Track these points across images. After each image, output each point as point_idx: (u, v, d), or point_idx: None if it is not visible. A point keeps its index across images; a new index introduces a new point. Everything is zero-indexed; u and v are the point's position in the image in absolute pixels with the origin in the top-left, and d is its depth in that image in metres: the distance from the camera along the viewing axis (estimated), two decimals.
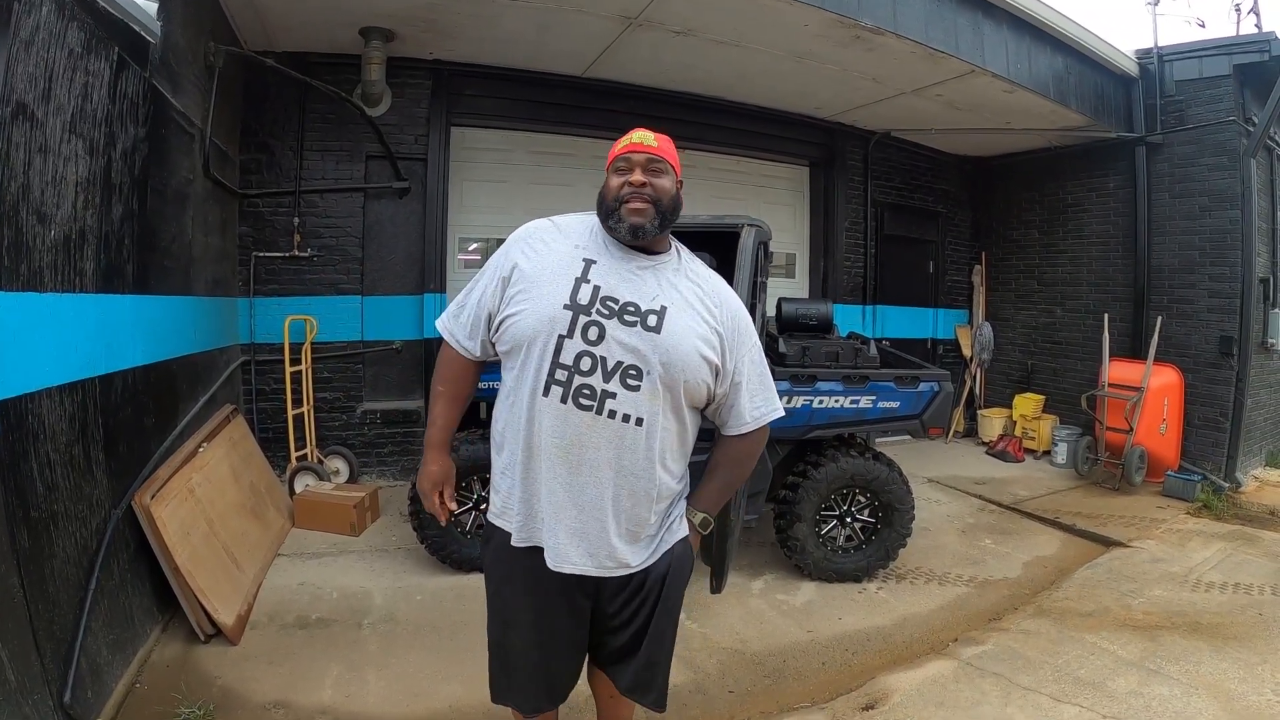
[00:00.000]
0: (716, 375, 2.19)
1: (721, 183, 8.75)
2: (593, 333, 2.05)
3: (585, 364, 2.04)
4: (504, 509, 2.23)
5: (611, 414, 2.05)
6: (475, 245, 7.68)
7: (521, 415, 2.11)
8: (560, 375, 2.05)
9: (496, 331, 2.20)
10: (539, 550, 2.15)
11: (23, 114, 2.79)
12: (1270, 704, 3.48)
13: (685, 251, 2.33)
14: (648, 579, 2.24)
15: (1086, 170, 9.12)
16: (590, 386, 2.04)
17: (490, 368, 2.38)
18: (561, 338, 2.05)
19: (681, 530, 2.31)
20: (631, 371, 2.06)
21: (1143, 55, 8.30)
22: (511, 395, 2.17)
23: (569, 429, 2.05)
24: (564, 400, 2.05)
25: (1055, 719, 3.36)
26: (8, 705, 2.73)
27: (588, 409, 2.04)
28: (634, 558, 2.19)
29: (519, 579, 2.23)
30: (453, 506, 2.43)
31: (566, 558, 2.12)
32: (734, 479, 2.44)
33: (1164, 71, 8.16)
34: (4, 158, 2.67)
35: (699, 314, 2.17)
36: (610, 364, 2.05)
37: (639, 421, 2.07)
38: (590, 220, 2.28)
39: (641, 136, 2.20)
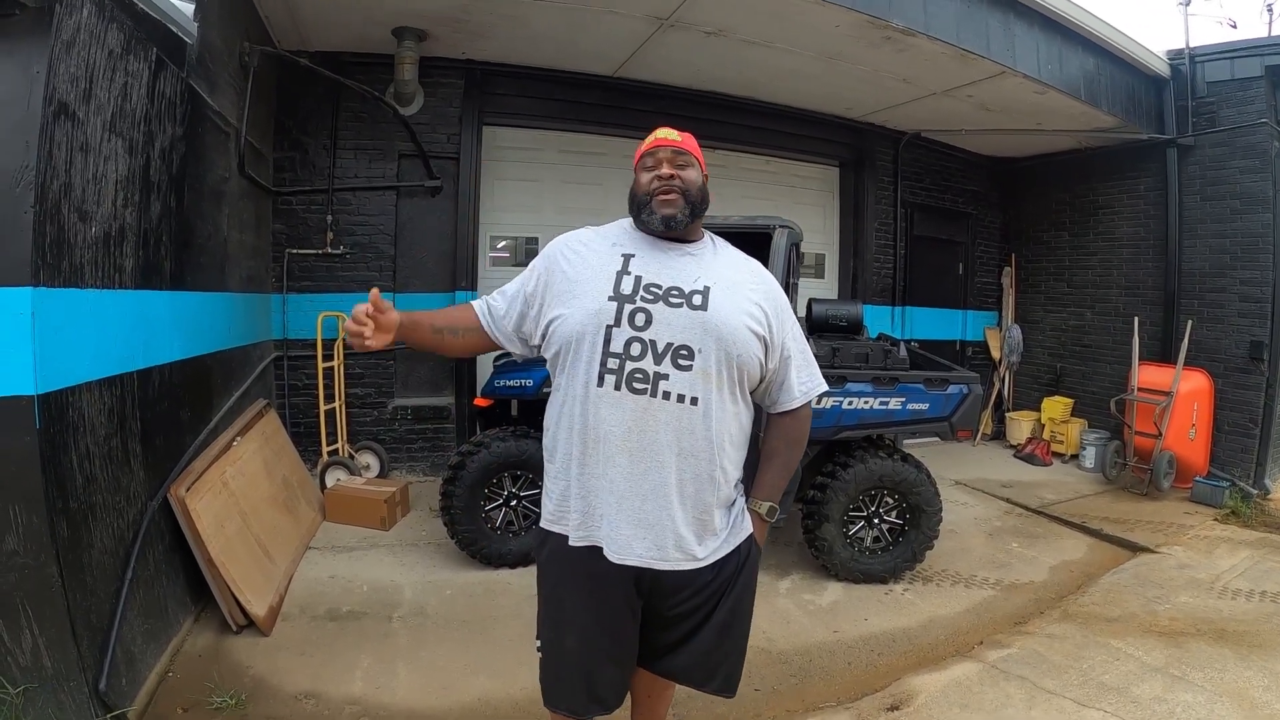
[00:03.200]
0: (766, 350, 2.22)
1: (752, 183, 8.75)
2: (640, 319, 2.08)
3: (635, 349, 2.07)
4: (559, 513, 2.21)
5: (666, 395, 2.06)
6: (505, 243, 7.74)
7: (575, 410, 2.13)
8: (612, 364, 2.07)
9: (544, 337, 2.23)
10: (597, 550, 2.14)
11: (64, 113, 2.86)
12: None
13: (719, 240, 2.38)
14: (714, 578, 2.23)
15: (1117, 172, 9.02)
16: (642, 370, 2.06)
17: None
18: (610, 328, 2.08)
19: (747, 528, 2.32)
20: (682, 352, 2.07)
21: (1174, 56, 8.21)
22: (563, 394, 2.19)
23: (626, 414, 2.07)
24: (618, 387, 2.06)
25: None
26: (44, 692, 2.81)
27: (642, 392, 2.06)
28: (701, 550, 2.18)
29: (576, 580, 2.21)
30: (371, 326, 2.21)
31: (630, 549, 2.11)
32: (792, 460, 2.44)
33: (1195, 72, 8.07)
34: (46, 156, 2.73)
35: (742, 292, 2.21)
36: (660, 346, 2.07)
37: (694, 401, 2.08)
38: (623, 223, 2.35)
39: (665, 133, 2.28)
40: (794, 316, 2.38)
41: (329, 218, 6.68)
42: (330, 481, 6.07)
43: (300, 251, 6.64)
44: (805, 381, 2.37)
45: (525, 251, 7.74)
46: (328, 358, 6.38)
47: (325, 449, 6.31)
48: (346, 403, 6.62)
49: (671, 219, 2.19)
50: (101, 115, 3.16)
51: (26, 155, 2.67)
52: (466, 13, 5.88)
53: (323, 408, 6.30)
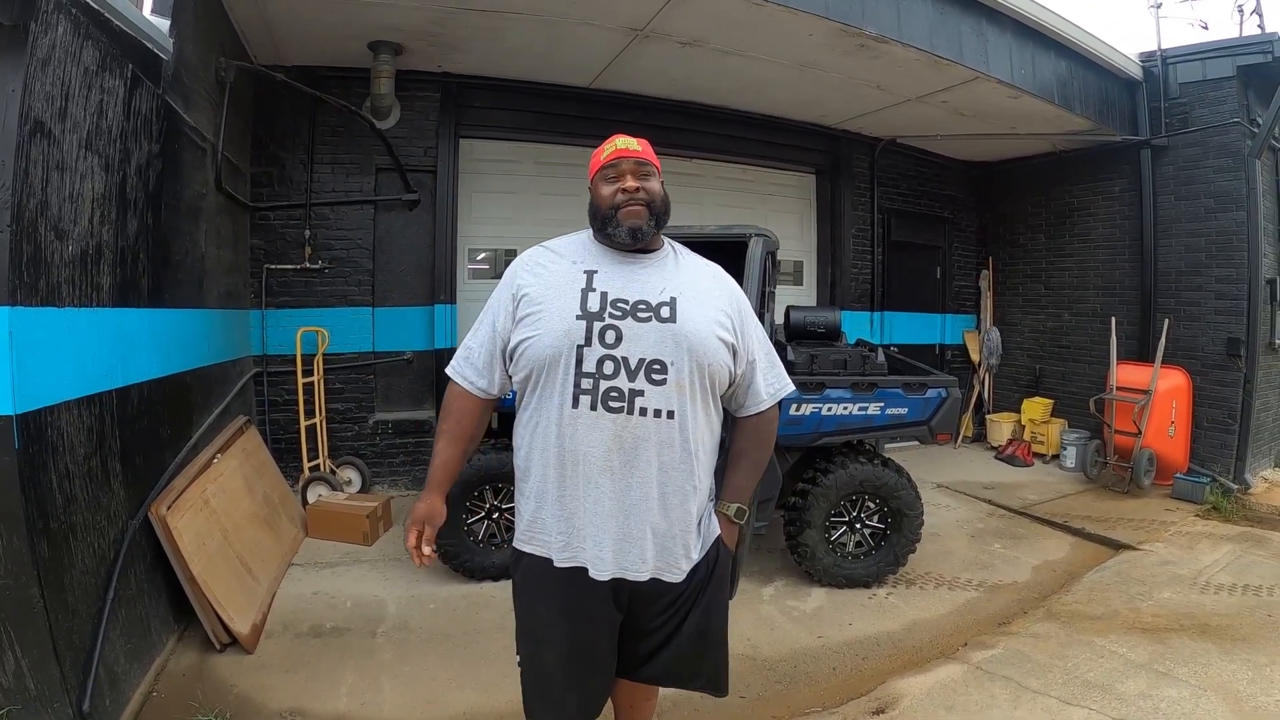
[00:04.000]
0: (734, 356, 2.23)
1: (729, 191, 8.80)
2: (610, 336, 2.07)
3: (608, 368, 2.06)
4: (534, 534, 2.21)
5: (643, 411, 2.06)
6: (484, 255, 7.75)
7: (551, 433, 2.11)
8: (586, 384, 2.06)
9: (513, 360, 2.21)
10: (581, 570, 2.14)
11: (40, 132, 2.84)
12: (1279, 704, 3.48)
13: (679, 246, 2.38)
14: (688, 585, 2.24)
15: (1091, 174, 9.13)
16: (617, 388, 2.05)
17: None
18: (580, 348, 2.06)
19: (715, 531, 2.33)
20: (655, 366, 2.07)
21: (1146, 58, 8.33)
22: (535, 416, 2.16)
23: (604, 434, 2.06)
24: (594, 407, 2.06)
25: None
26: (27, 713, 2.79)
27: (619, 410, 2.05)
28: (683, 560, 2.20)
29: (555, 597, 2.20)
30: (427, 551, 2.35)
31: (616, 566, 2.12)
32: (761, 460, 2.45)
33: (1168, 74, 8.19)
34: (22, 175, 2.72)
35: (709, 300, 2.22)
36: (633, 363, 2.06)
37: (670, 415, 2.08)
38: (580, 236, 2.34)
39: (625, 142, 2.26)
40: (756, 319, 2.40)
41: (307, 232, 6.65)
42: (312, 497, 6.03)
43: (278, 266, 6.61)
44: (772, 383, 2.39)
45: (505, 263, 7.71)
46: (307, 373, 6.35)
47: (306, 464, 6.28)
48: (327, 418, 6.58)
49: (638, 230, 2.18)
50: (77, 133, 3.15)
51: (2, 174, 2.65)
52: (442, 26, 5.88)
53: (303, 423, 6.26)
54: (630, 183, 2.19)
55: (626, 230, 2.18)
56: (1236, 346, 7.57)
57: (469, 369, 2.33)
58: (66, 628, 2.92)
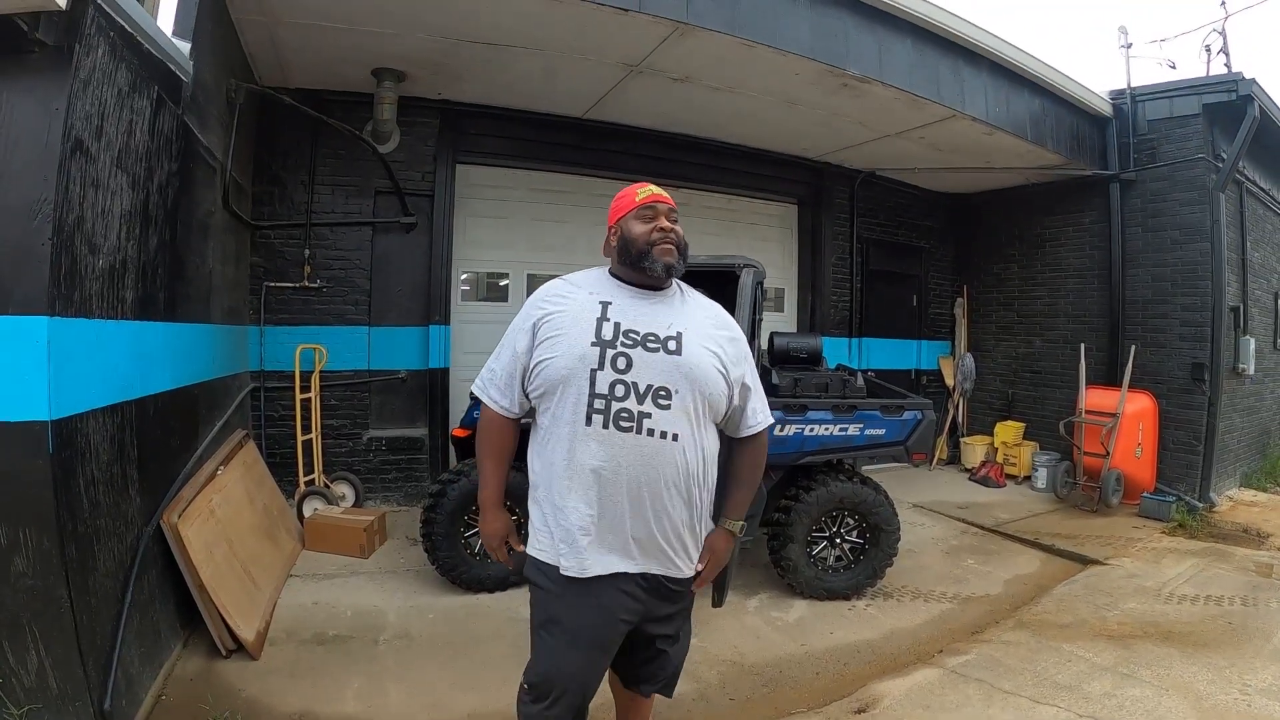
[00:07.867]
0: (729, 387, 2.45)
1: (714, 220, 9.04)
2: (621, 362, 2.29)
3: (619, 391, 2.27)
4: (547, 544, 2.39)
5: (650, 432, 2.27)
6: (465, 275, 7.90)
7: (562, 448, 2.32)
8: (599, 405, 2.27)
9: (530, 379, 2.41)
10: (591, 575, 2.32)
11: (80, 150, 2.99)
12: (1237, 702, 3.72)
13: (685, 286, 2.61)
14: (684, 593, 2.53)
15: (1063, 206, 9.45)
16: (627, 410, 2.27)
17: None
18: (594, 371, 2.27)
19: (698, 548, 2.53)
20: (661, 392, 2.29)
21: (1116, 96, 8.68)
22: (548, 433, 2.37)
23: (614, 450, 2.26)
24: (605, 426, 2.26)
25: (1034, 719, 3.58)
26: (48, 712, 2.88)
27: (628, 430, 2.26)
28: (680, 561, 2.43)
29: (568, 600, 2.37)
30: (520, 549, 2.58)
31: (619, 568, 2.33)
32: (755, 482, 2.67)
33: (1137, 111, 8.54)
34: (63, 190, 2.86)
35: (709, 336, 2.44)
36: (642, 388, 2.28)
37: (675, 437, 2.30)
38: (595, 272, 2.56)
39: (661, 191, 2.51)
40: (750, 356, 2.62)
41: (306, 251, 6.80)
42: (307, 511, 6.13)
43: (278, 284, 6.74)
44: (758, 412, 2.61)
45: (487, 286, 7.99)
46: (305, 389, 6.45)
47: (302, 479, 6.38)
48: (322, 433, 6.68)
49: (671, 266, 2.42)
50: (110, 151, 3.30)
51: (45, 189, 2.80)
52: (446, 57, 6.08)
53: (300, 438, 6.37)
54: (666, 223, 2.44)
55: (662, 265, 2.41)
56: (1201, 371, 7.86)
57: (492, 388, 2.53)
58: (90, 628, 3.02)
